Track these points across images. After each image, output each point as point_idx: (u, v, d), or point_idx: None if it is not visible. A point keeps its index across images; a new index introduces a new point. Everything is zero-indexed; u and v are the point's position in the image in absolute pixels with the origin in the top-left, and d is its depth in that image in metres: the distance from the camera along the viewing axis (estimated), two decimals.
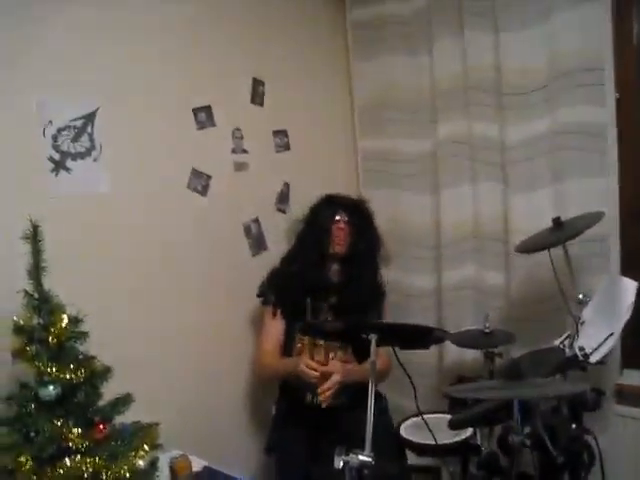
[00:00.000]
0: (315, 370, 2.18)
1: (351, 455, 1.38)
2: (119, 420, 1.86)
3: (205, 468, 2.17)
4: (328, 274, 2.49)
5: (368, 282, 2.52)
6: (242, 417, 2.69)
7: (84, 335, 1.74)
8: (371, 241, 2.55)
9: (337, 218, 2.48)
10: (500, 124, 2.65)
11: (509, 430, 1.58)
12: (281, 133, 2.84)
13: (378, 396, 2.47)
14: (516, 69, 2.55)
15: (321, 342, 2.38)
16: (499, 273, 2.74)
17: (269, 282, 2.51)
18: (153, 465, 1.90)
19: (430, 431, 1.85)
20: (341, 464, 1.36)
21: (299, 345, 2.41)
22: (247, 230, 2.70)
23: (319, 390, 2.19)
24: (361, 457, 1.37)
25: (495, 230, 2.73)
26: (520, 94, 2.57)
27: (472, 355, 2.66)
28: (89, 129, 2.18)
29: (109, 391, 1.83)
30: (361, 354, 2.38)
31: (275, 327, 2.46)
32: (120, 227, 2.24)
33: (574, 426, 1.84)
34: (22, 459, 1.62)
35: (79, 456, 1.63)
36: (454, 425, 1.89)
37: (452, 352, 2.79)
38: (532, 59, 2.51)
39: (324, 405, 2.22)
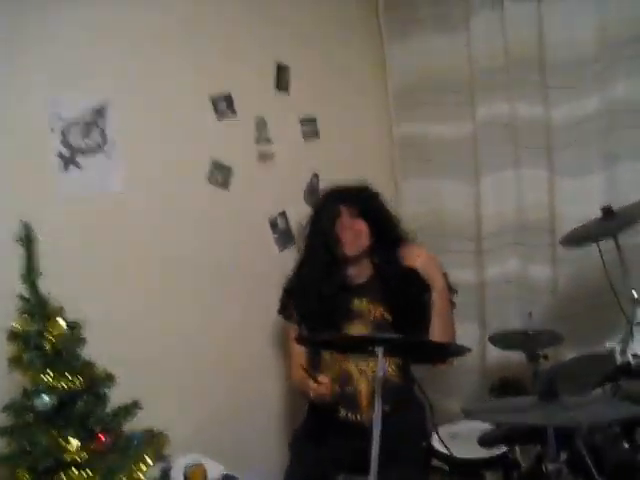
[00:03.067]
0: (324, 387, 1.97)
1: None
2: (131, 427, 1.77)
3: (224, 476, 2.03)
4: (347, 277, 2.21)
5: (399, 268, 2.15)
6: (268, 423, 2.52)
7: (81, 341, 1.63)
8: (388, 224, 2.23)
9: (340, 214, 2.16)
10: (545, 104, 2.38)
11: (543, 456, 1.34)
12: (309, 121, 2.64)
13: (418, 402, 2.25)
14: (562, 42, 2.28)
15: None
16: (545, 267, 2.48)
17: (285, 297, 2.28)
18: (165, 475, 1.78)
19: (447, 448, 1.64)
20: None
21: (327, 357, 2.17)
22: (273, 224, 2.52)
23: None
24: None
25: (540, 219, 2.47)
26: (567, 70, 2.29)
27: (516, 355, 2.40)
28: (100, 123, 2.06)
29: (124, 397, 1.72)
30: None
31: (295, 358, 2.22)
32: (136, 227, 2.12)
33: (626, 445, 1.58)
34: (19, 472, 1.53)
35: (75, 470, 1.52)
36: (483, 443, 1.66)
37: (494, 351, 2.53)
38: (579, 30, 2.23)
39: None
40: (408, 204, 2.87)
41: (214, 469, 2.03)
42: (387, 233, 2.20)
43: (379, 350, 1.30)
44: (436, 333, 2.08)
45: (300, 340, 1.94)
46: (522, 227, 2.52)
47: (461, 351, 1.29)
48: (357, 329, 2.14)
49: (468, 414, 1.26)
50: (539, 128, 2.41)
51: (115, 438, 1.63)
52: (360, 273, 2.22)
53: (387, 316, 2.15)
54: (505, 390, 2.26)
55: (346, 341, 1.56)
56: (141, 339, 2.09)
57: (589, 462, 1.34)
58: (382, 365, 1.32)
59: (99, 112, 2.05)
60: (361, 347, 1.44)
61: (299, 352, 2.19)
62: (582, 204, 2.28)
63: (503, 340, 2.22)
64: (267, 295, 2.40)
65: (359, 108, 2.85)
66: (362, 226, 2.16)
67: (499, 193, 2.54)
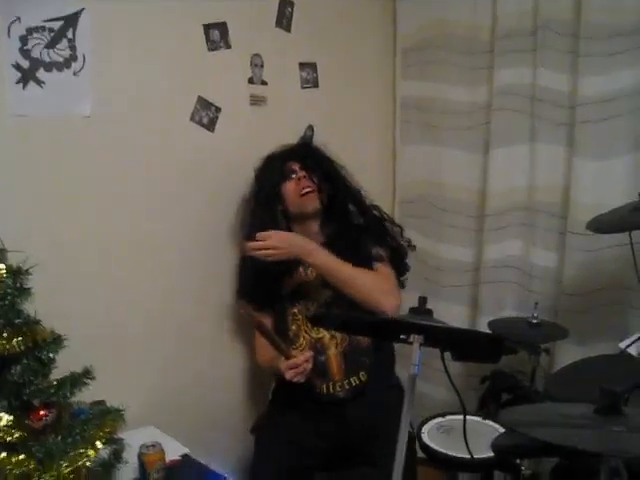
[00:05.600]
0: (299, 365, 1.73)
1: None
2: (80, 398, 1.43)
3: (184, 457, 1.72)
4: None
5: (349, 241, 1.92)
6: (233, 401, 2.20)
7: (25, 292, 1.27)
8: (339, 178, 1.99)
9: (291, 168, 1.93)
10: (572, 74, 2.07)
11: None
12: (309, 66, 2.28)
13: (396, 385, 1.99)
14: (602, 6, 1.96)
15: None
16: (551, 253, 2.21)
17: (240, 281, 2.02)
18: (116, 456, 1.46)
19: (467, 445, 1.38)
20: None
21: (294, 327, 1.90)
22: None
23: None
24: None
25: (551, 202, 2.19)
26: (604, 38, 1.98)
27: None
28: (69, 34, 1.66)
29: (70, 363, 1.38)
30: None
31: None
32: (101, 158, 1.75)
33: None
34: None
35: (4, 453, 1.18)
36: (497, 451, 1.40)
37: None
38: None
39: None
40: (406, 172, 2.57)
41: (172, 448, 1.73)
42: (340, 198, 1.95)
43: (416, 339, 1.01)
44: (354, 295, 1.80)
45: (314, 321, 1.65)
46: (530, 209, 2.24)
47: (516, 348, 1.01)
48: (324, 294, 1.90)
49: (512, 425, 0.98)
50: (563, 101, 2.11)
51: (58, 414, 1.29)
52: (314, 235, 1.94)
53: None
54: (498, 383, 2.02)
55: (373, 325, 1.26)
56: (94, 294, 1.75)
57: None
58: (419, 359, 1.03)
59: (70, 20, 1.65)
60: (389, 333, 1.15)
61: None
62: (601, 191, 2.03)
63: (504, 328, 1.97)
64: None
65: (363, 59, 2.49)
66: (310, 183, 1.91)
67: (509, 169, 2.24)
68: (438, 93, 2.42)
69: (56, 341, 1.31)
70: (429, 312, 1.11)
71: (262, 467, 1.74)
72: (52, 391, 1.26)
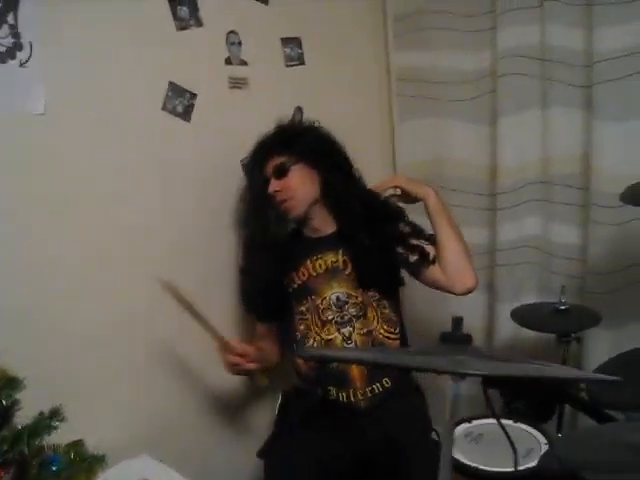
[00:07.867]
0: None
1: None
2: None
3: None
4: (312, 229, 1.73)
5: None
6: (238, 414, 1.97)
7: None
8: (340, 165, 1.73)
9: (269, 173, 1.67)
10: (587, 28, 1.82)
11: None
12: (293, 41, 2.02)
13: (415, 380, 1.79)
14: None
15: (330, 311, 1.67)
16: (573, 229, 1.97)
17: (241, 294, 1.84)
18: None
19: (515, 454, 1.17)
20: None
21: (302, 327, 1.68)
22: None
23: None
24: None
25: (571, 173, 1.95)
26: None
27: (535, 335, 1.91)
28: (10, 19, 1.40)
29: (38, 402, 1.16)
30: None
31: (260, 330, 1.80)
32: (60, 162, 1.49)
33: None
34: None
35: None
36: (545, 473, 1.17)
37: (506, 327, 2.05)
38: None
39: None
40: (407, 151, 2.30)
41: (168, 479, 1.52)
42: (337, 171, 1.70)
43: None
44: (451, 250, 1.65)
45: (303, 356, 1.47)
46: (547, 181, 1.99)
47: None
48: (335, 289, 1.68)
49: (577, 468, 0.75)
50: (577, 59, 1.86)
51: (20, 469, 1.07)
52: (323, 225, 1.72)
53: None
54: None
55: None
56: (66, 322, 1.51)
57: None
58: (456, 390, 0.80)
59: (8, 3, 1.40)
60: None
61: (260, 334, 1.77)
62: (627, 156, 1.80)
63: (529, 317, 1.75)
64: (237, 254, 1.84)
65: (353, 30, 2.21)
66: (284, 193, 1.65)
67: (521, 140, 2.00)
68: (436, 62, 2.15)
69: (12, 384, 1.08)
70: (467, 339, 0.87)
71: None
72: (5, 448, 1.02)
